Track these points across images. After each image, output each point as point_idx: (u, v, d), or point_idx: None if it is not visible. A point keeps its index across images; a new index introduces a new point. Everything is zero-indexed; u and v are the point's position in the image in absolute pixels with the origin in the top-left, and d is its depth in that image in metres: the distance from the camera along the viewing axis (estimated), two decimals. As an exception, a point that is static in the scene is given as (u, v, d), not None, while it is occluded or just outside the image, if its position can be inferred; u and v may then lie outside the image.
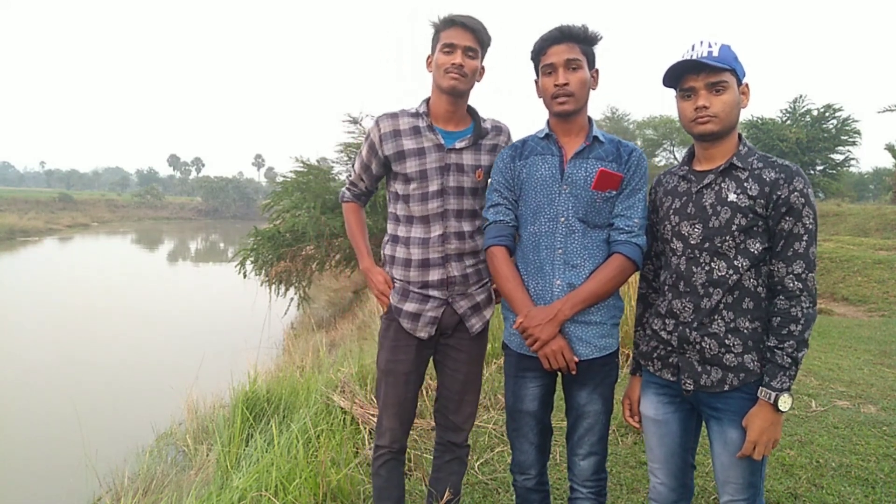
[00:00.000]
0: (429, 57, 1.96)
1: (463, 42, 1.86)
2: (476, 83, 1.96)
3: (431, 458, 3.06)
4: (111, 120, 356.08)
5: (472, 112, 2.03)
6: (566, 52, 1.73)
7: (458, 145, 1.95)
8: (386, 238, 2.08)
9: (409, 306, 1.97)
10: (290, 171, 11.63)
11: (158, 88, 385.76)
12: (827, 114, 25.89)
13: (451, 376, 2.07)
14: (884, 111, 21.73)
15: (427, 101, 2.00)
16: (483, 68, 1.97)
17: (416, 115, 1.97)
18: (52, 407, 6.46)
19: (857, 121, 25.36)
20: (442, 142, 1.94)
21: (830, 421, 3.67)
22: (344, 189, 2.20)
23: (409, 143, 1.94)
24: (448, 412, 2.11)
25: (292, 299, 11.28)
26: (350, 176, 2.16)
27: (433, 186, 1.93)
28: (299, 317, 11.45)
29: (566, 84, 1.73)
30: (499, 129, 2.05)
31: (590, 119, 1.84)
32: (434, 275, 1.96)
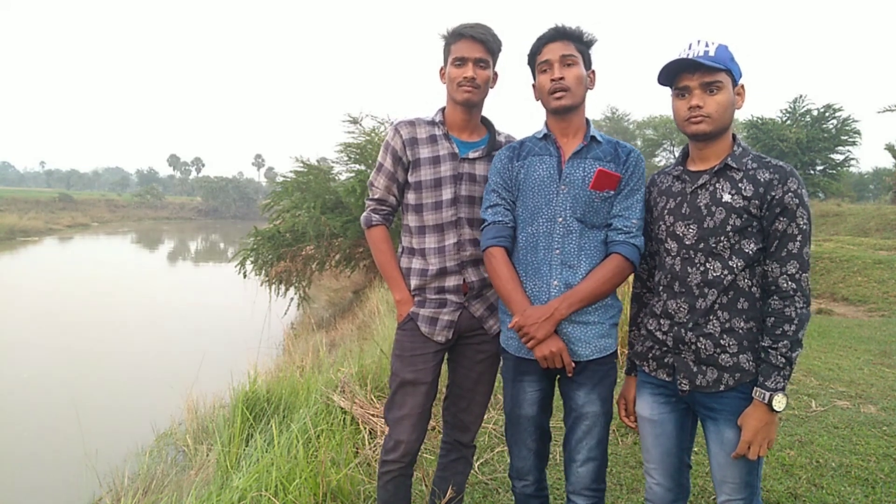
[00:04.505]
0: (441, 68, 1.98)
1: (473, 54, 1.88)
2: (490, 90, 1.98)
3: (431, 457, 3.07)
4: (111, 120, 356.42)
5: (487, 124, 2.06)
6: (561, 49, 1.75)
7: (471, 155, 1.97)
8: (400, 250, 2.08)
9: (426, 311, 1.97)
10: (290, 171, 11.65)
11: (158, 88, 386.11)
12: (827, 114, 25.90)
13: (465, 374, 2.07)
14: (884, 111, 21.73)
15: (442, 110, 2.03)
16: (496, 74, 1.99)
17: (433, 123, 2.00)
18: (52, 407, 6.46)
19: (857, 121, 25.41)
20: (456, 150, 1.96)
21: (830, 421, 3.67)
22: (368, 213, 2.04)
23: (424, 152, 1.96)
24: (458, 410, 2.10)
25: (292, 299, 11.29)
26: (374, 195, 2.04)
27: (446, 195, 1.95)
28: (299, 317, 11.45)
29: (562, 78, 1.74)
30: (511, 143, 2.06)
31: (587, 120, 1.85)
32: (451, 281, 1.97)
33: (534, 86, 1.85)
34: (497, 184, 1.85)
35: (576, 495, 1.81)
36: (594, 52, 1.83)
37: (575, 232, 1.75)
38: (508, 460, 1.99)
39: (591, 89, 1.83)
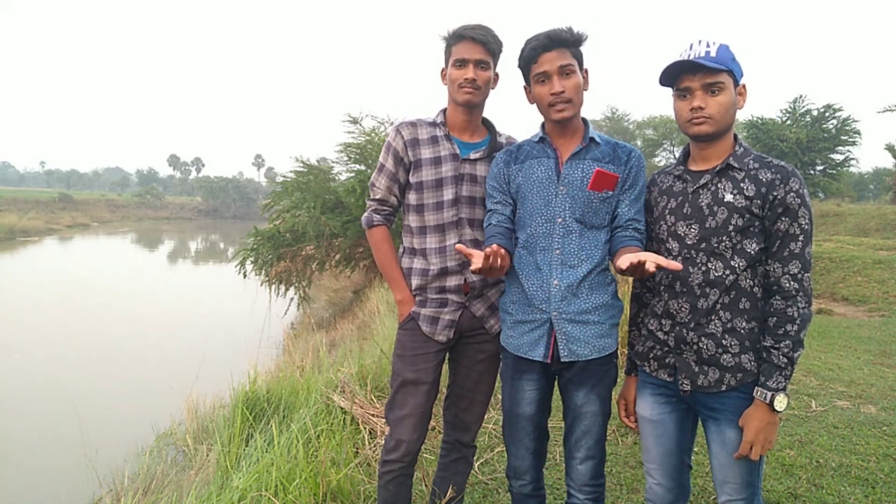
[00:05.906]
0: (443, 70, 1.99)
1: (474, 56, 1.88)
2: (491, 91, 1.98)
3: (431, 457, 3.07)
4: (111, 120, 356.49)
5: (488, 125, 2.07)
6: (558, 59, 1.72)
7: (472, 156, 1.98)
8: (401, 250, 2.09)
9: (427, 310, 1.98)
10: (290, 171, 11.63)
11: (158, 88, 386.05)
12: (827, 114, 25.88)
13: (466, 374, 2.07)
14: (884, 111, 21.77)
15: (444, 111, 2.04)
16: (497, 75, 2.00)
17: (434, 124, 2.01)
18: (52, 407, 6.46)
19: (857, 121, 25.36)
20: (458, 151, 1.97)
21: (830, 421, 3.67)
22: (369, 213, 2.05)
23: (426, 153, 1.97)
24: (459, 410, 2.11)
25: (292, 299, 11.28)
26: (375, 195, 2.04)
27: (448, 195, 1.96)
28: (299, 317, 11.45)
29: (562, 91, 1.72)
30: (512, 144, 2.06)
31: (585, 120, 1.83)
32: (452, 281, 1.97)
33: (526, 89, 1.84)
34: (493, 187, 1.87)
35: (576, 491, 1.85)
36: (585, 47, 1.78)
37: (575, 232, 1.75)
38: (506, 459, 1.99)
39: (586, 90, 1.81)
